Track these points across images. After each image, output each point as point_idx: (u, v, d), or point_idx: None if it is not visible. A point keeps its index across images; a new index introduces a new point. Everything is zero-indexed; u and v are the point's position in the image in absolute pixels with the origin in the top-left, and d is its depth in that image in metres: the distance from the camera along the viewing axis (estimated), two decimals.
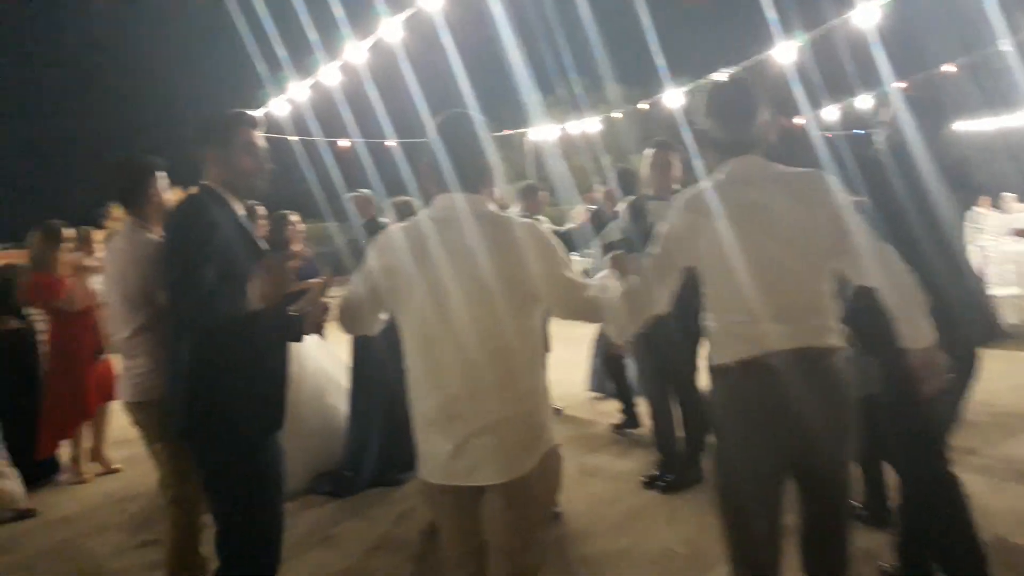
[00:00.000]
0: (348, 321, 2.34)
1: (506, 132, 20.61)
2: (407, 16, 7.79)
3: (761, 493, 2.20)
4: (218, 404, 2.40)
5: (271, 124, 12.70)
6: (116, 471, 5.59)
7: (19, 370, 5.48)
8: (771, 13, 8.78)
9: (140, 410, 3.19)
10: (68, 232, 5.34)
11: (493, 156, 2.21)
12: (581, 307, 2.19)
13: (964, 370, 2.73)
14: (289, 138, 14.21)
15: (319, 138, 15.07)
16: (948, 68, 13.83)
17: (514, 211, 6.52)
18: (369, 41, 8.61)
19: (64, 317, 5.19)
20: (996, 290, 8.01)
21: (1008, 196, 17.60)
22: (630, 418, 5.87)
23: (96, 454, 5.63)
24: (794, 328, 2.13)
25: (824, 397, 2.14)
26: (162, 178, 3.38)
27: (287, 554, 2.65)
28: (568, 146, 21.20)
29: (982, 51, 13.34)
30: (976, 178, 5.34)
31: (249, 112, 2.59)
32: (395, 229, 2.19)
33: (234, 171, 2.53)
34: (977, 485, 3.61)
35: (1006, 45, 11.38)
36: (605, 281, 2.44)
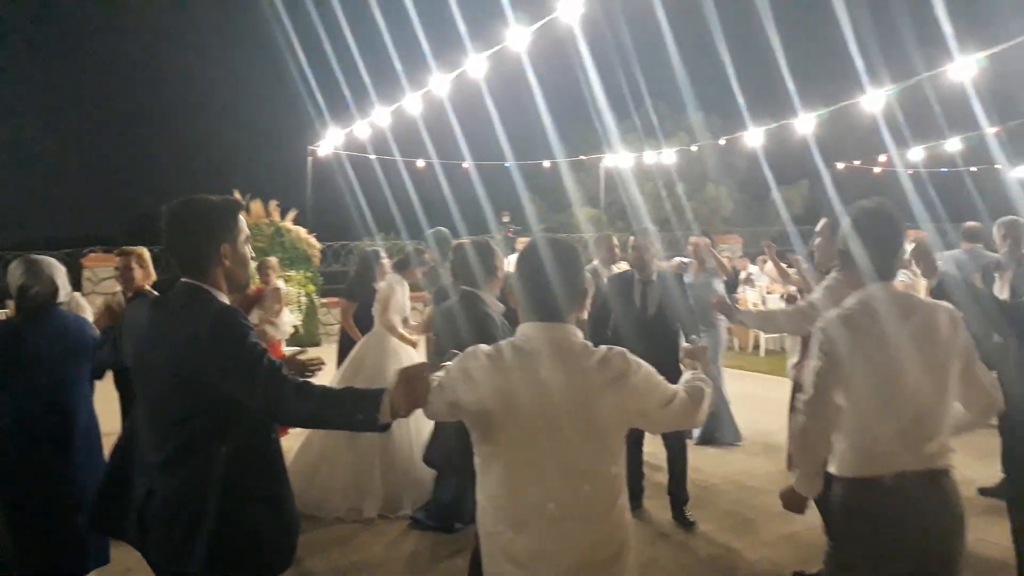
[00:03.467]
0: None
1: (581, 157, 20.66)
2: (493, 51, 7.96)
3: None
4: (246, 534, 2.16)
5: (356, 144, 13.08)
6: None
7: None
8: (860, 61, 8.67)
9: None
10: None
11: (580, 280, 2.16)
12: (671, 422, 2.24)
13: None
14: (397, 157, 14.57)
15: (403, 159, 15.38)
16: None
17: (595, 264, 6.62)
18: (453, 73, 8.84)
19: None
20: None
21: None
22: None
23: None
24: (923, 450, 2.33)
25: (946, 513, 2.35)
26: None
27: None
28: (643, 174, 21.14)
29: None
30: None
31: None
32: (487, 354, 2.11)
33: (241, 263, 2.31)
34: None
35: None
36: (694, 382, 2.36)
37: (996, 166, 16.49)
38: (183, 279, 2.22)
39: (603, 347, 2.09)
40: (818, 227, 4.19)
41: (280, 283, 6.79)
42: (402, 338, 5.56)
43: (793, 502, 2.52)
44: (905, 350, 2.32)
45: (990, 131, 13.42)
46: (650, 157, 17.29)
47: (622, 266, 6.60)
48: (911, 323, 2.36)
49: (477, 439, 2.13)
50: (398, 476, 5.15)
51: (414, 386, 1.98)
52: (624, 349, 2.11)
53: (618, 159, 18.78)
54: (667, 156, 16.93)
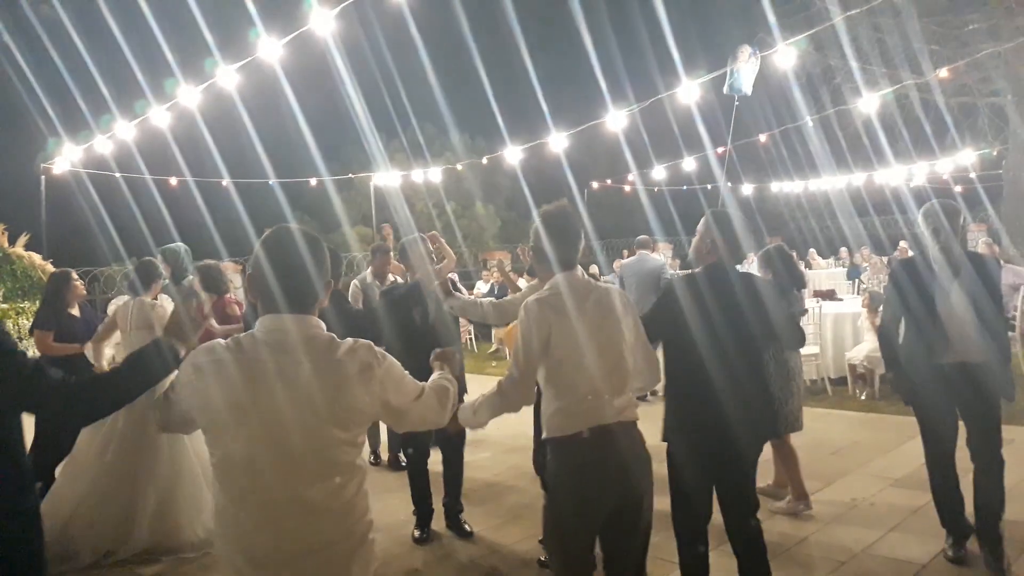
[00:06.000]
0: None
1: (350, 175, 20.45)
2: (245, 63, 7.66)
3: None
4: None
5: (97, 161, 11.99)
6: None
7: None
8: (604, 82, 9.39)
9: None
10: None
11: (323, 273, 2.13)
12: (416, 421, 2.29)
13: None
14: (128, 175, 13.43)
15: (152, 176, 14.31)
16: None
17: (367, 274, 6.53)
18: (204, 85, 8.39)
19: None
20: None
21: (812, 252, 19.42)
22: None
23: None
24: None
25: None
26: None
27: None
28: (412, 192, 21.35)
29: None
30: None
31: None
32: (221, 348, 2.04)
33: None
34: None
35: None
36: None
37: (727, 184, 18.53)
38: None
39: (349, 339, 2.08)
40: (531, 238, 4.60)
41: None
42: None
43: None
44: (586, 323, 2.78)
45: (717, 151, 15.03)
46: (418, 176, 17.46)
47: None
48: (589, 302, 2.84)
49: (211, 441, 2.03)
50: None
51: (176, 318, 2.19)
52: (370, 342, 2.11)
53: (387, 178, 18.78)
54: (435, 175, 17.19)
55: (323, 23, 6.57)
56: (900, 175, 18.80)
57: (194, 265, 5.92)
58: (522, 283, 7.69)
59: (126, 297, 5.58)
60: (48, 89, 12.87)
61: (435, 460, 4.97)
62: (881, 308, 4.81)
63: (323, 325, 2.11)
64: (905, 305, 4.05)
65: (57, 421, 2.17)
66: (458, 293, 4.72)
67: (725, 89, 7.94)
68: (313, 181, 17.84)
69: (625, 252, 16.24)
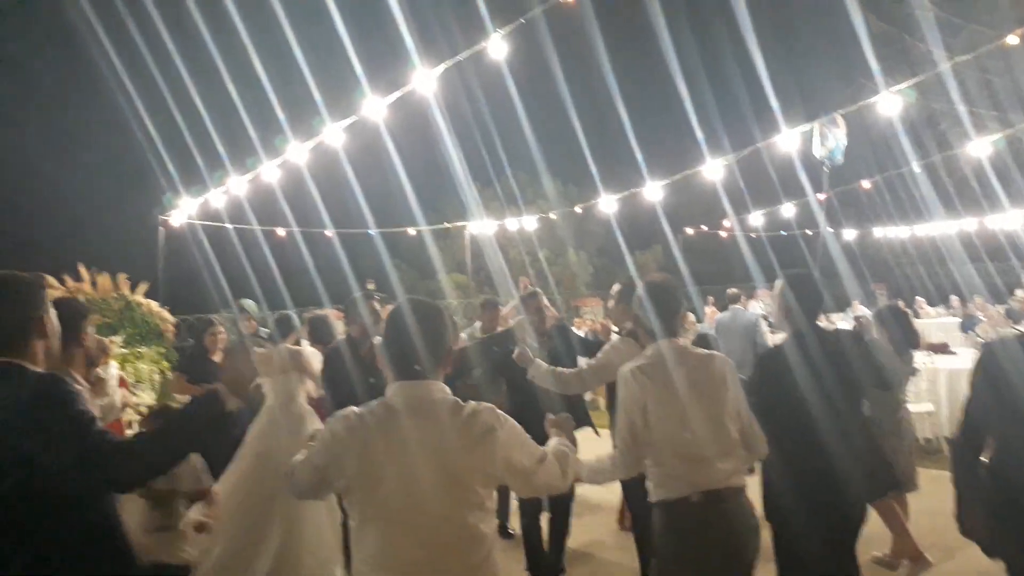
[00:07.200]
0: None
1: (446, 225, 20.90)
2: (350, 122, 8.02)
3: None
4: None
5: (211, 214, 12.71)
6: None
7: None
8: (699, 129, 9.35)
9: None
10: None
11: (447, 340, 2.26)
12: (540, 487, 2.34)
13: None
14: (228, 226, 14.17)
15: (261, 227, 15.03)
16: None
17: (476, 328, 6.57)
18: (311, 143, 8.82)
19: None
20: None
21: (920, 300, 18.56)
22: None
23: None
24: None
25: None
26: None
27: None
28: (506, 241, 21.61)
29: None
30: None
31: None
32: (356, 415, 2.17)
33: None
34: None
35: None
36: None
37: (828, 230, 18.01)
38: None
39: (472, 403, 2.18)
40: (612, 291, 4.58)
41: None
42: None
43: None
44: (686, 390, 2.82)
45: (818, 197, 14.66)
46: (512, 224, 17.70)
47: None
48: (690, 368, 2.88)
49: (350, 503, 2.15)
50: None
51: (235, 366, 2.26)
52: (492, 405, 2.21)
53: (482, 226, 19.13)
54: (528, 223, 17.39)
55: (425, 82, 6.83)
56: (1016, 219, 17.84)
57: (304, 316, 6.14)
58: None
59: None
60: (167, 147, 13.74)
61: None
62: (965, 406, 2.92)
63: (447, 390, 2.21)
64: (1005, 409, 2.63)
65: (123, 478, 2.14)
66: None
67: (817, 153, 7.85)
68: (412, 230, 18.31)
69: (711, 299, 15.91)
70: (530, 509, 4.88)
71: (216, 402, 2.17)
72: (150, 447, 2.11)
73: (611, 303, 4.62)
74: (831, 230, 17.59)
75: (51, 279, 7.41)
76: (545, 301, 5.56)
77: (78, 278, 11.03)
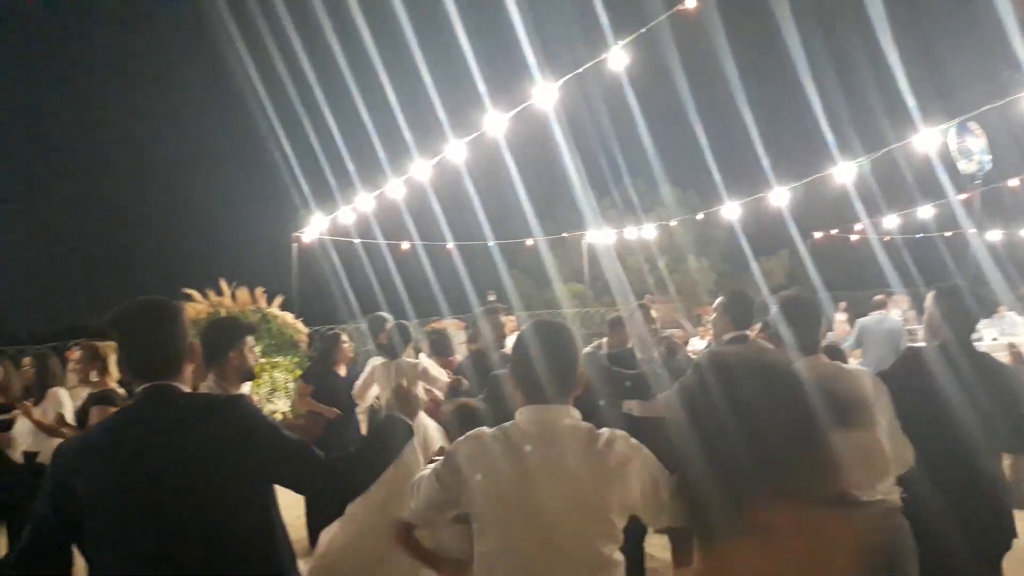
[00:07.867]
0: None
1: (564, 234, 20.94)
2: (472, 137, 8.18)
3: None
4: None
5: (340, 229, 13.25)
6: None
7: None
8: (830, 134, 8.97)
9: None
10: None
11: (578, 363, 2.17)
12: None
13: None
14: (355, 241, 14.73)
15: (386, 241, 15.54)
16: None
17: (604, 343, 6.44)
18: (435, 159, 9.05)
19: None
20: None
21: None
22: None
23: None
24: None
25: None
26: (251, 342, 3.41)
27: None
28: (624, 249, 21.39)
29: None
30: None
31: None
32: (488, 437, 2.11)
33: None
34: None
35: None
36: None
37: (971, 231, 16.86)
38: (163, 382, 2.15)
39: (605, 430, 2.09)
40: (715, 304, 4.44)
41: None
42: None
43: None
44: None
45: (960, 197, 13.77)
46: (631, 232, 17.55)
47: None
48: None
49: (478, 531, 2.08)
50: None
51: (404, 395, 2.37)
52: (625, 432, 2.09)
53: (600, 235, 19.04)
54: (647, 231, 17.18)
55: (545, 95, 6.87)
56: None
57: (424, 330, 6.24)
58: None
59: (379, 359, 5.84)
60: (301, 168, 14.45)
61: None
62: None
63: (577, 414, 2.12)
64: None
65: (321, 499, 2.26)
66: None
67: (965, 169, 7.36)
68: (529, 241, 18.47)
69: (842, 304, 15.14)
70: (634, 534, 4.76)
71: (405, 428, 2.34)
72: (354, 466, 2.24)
73: (712, 315, 4.45)
74: (974, 230, 16.44)
75: (196, 293, 7.89)
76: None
77: (219, 292, 11.76)
